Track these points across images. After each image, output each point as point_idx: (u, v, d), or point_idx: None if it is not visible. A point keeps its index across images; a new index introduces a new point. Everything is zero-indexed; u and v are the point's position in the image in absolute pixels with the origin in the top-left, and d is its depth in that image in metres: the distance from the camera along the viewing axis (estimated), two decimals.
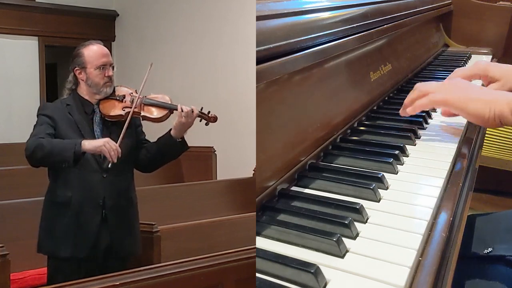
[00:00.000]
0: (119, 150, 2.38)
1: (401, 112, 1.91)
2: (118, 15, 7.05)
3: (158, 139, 2.62)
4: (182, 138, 2.59)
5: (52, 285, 2.12)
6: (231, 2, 5.96)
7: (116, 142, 2.43)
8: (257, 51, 1.33)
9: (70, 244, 2.45)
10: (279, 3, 1.58)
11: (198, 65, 6.30)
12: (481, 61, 2.28)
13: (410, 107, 1.84)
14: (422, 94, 1.80)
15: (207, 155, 5.69)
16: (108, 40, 6.82)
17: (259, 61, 1.33)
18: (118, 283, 2.08)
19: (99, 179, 2.47)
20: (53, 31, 6.59)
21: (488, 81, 1.99)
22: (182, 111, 2.51)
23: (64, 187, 2.47)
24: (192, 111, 2.53)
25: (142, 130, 2.68)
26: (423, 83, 1.88)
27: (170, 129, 2.58)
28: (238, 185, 4.53)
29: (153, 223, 3.10)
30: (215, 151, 5.78)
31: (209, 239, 3.40)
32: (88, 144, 2.37)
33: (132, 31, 6.92)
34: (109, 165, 2.39)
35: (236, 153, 5.71)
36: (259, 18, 1.40)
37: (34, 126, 2.46)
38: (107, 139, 2.38)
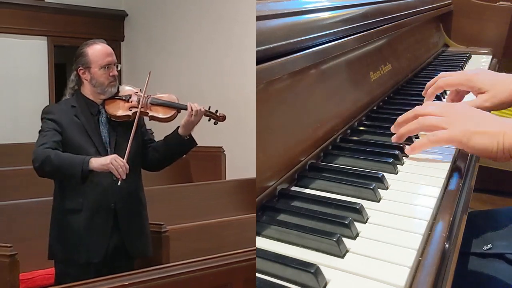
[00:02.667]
0: (127, 166, 2.34)
1: (393, 131, 1.72)
2: (127, 15, 7.06)
3: (166, 138, 2.62)
4: (190, 135, 2.59)
5: (60, 285, 2.12)
6: (240, 3, 5.96)
7: (123, 144, 2.43)
8: (257, 51, 1.33)
9: (84, 250, 2.44)
10: (279, 3, 1.58)
11: (207, 65, 6.30)
12: (469, 70, 2.15)
13: (409, 148, 1.65)
14: (421, 128, 1.61)
15: (216, 155, 5.69)
16: (117, 40, 6.84)
17: (259, 61, 1.33)
18: (127, 283, 2.08)
19: (110, 182, 2.44)
20: (62, 31, 6.59)
21: (477, 92, 1.87)
22: (192, 109, 2.51)
23: (75, 193, 2.44)
24: (200, 109, 2.54)
25: (146, 130, 2.67)
26: (422, 108, 1.65)
27: (177, 127, 2.57)
28: (247, 185, 4.51)
29: (162, 223, 3.09)
30: (224, 151, 5.77)
31: (217, 239, 3.40)
32: (95, 162, 2.32)
33: (141, 31, 6.93)
34: (119, 183, 2.34)
35: (245, 153, 5.70)
36: (259, 18, 1.40)
37: (40, 131, 2.42)
38: (114, 156, 2.34)
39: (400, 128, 1.66)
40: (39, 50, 6.51)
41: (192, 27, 6.43)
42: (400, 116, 1.69)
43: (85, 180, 2.34)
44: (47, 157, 2.31)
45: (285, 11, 1.54)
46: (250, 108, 5.60)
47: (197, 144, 2.64)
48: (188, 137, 2.58)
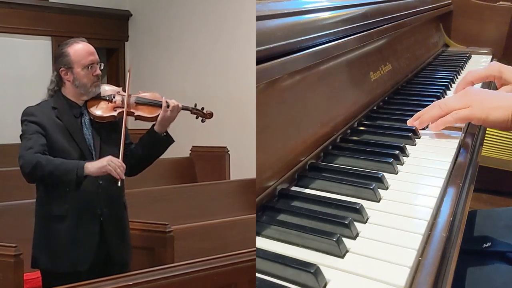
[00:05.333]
0: (124, 165, 2.28)
1: (412, 123, 1.90)
2: (131, 15, 7.05)
3: (141, 138, 2.52)
4: (166, 132, 2.49)
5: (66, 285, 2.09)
6: (244, 2, 5.96)
7: (108, 146, 2.37)
8: (257, 51, 1.33)
9: (71, 259, 2.35)
10: (279, 3, 1.58)
11: (212, 64, 6.30)
12: (494, 63, 2.29)
13: (433, 124, 1.83)
14: (444, 112, 1.79)
15: (220, 155, 5.68)
16: (121, 40, 6.83)
17: (259, 61, 1.33)
18: (131, 283, 2.07)
19: (95, 186, 2.35)
20: (67, 31, 6.56)
21: (502, 83, 2.00)
22: (168, 105, 2.42)
23: (60, 198, 2.34)
24: (178, 105, 2.45)
25: (127, 132, 2.54)
26: (441, 100, 1.88)
27: (152, 126, 2.49)
28: (251, 185, 4.47)
29: (166, 223, 3.07)
30: (228, 151, 5.78)
31: (222, 239, 3.39)
32: (91, 167, 2.24)
33: (146, 31, 6.92)
34: (119, 183, 2.28)
35: (250, 153, 5.67)
36: (259, 18, 1.40)
37: (22, 135, 2.33)
38: (109, 157, 2.26)
39: (432, 124, 1.85)
40: (43, 50, 6.50)
41: (196, 27, 6.43)
42: (419, 112, 1.89)
43: (79, 186, 2.27)
44: (38, 163, 2.23)
45: (285, 11, 1.55)
46: (255, 108, 5.58)
47: (174, 141, 2.54)
48: (164, 134, 2.48)
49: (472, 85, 2.24)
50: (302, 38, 1.55)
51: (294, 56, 1.49)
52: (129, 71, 2.54)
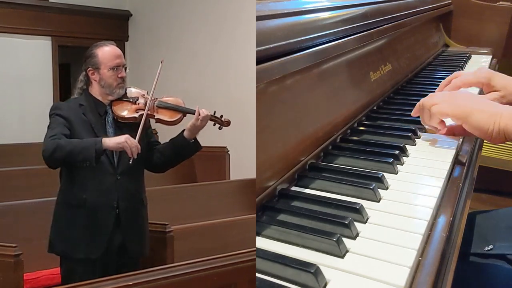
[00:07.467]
0: (139, 146, 2.42)
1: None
2: (131, 15, 7.06)
3: (171, 140, 2.66)
4: (195, 138, 2.63)
5: (67, 284, 2.12)
6: (244, 2, 5.96)
7: None
8: (257, 51, 1.33)
9: (84, 245, 2.48)
10: (279, 3, 1.58)
11: (212, 65, 6.30)
12: (483, 68, 2.22)
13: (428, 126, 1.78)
14: (428, 109, 1.72)
15: (220, 155, 5.68)
16: (121, 40, 6.83)
17: (259, 61, 1.33)
18: (131, 283, 2.08)
19: (113, 181, 2.50)
20: (67, 31, 6.59)
21: (489, 89, 1.95)
22: (199, 114, 2.55)
23: (79, 189, 2.48)
24: (207, 114, 2.58)
25: (151, 132, 2.72)
26: (428, 97, 1.77)
27: (183, 131, 2.62)
28: (251, 185, 4.49)
29: (166, 223, 3.10)
30: (228, 151, 5.77)
31: (222, 239, 3.40)
32: (109, 141, 2.40)
33: (146, 31, 6.93)
34: (131, 161, 2.41)
35: (249, 152, 5.67)
36: (259, 18, 1.41)
37: (49, 126, 2.46)
38: (127, 136, 2.41)
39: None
40: (43, 50, 6.50)
41: (196, 27, 6.43)
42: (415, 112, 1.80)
43: (98, 161, 2.39)
44: (58, 145, 2.36)
45: (285, 11, 1.55)
46: (255, 108, 5.57)
47: (201, 148, 2.68)
48: (193, 140, 2.62)
49: (458, 89, 2.21)
50: (302, 38, 1.55)
51: (294, 56, 1.49)
52: (156, 78, 2.64)
